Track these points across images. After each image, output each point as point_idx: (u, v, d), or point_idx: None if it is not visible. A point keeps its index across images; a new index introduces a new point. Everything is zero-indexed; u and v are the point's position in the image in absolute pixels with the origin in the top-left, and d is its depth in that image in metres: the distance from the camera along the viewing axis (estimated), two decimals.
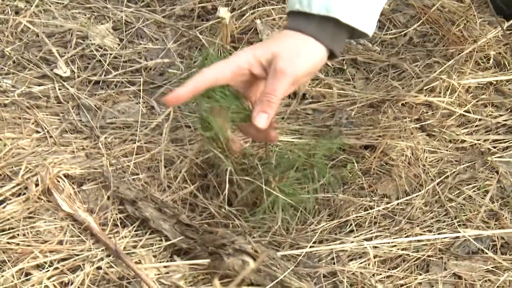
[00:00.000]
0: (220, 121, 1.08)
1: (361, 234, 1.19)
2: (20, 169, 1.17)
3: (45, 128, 1.26)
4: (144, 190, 1.16)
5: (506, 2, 1.69)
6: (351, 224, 1.21)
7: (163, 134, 1.29)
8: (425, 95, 1.46)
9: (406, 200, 1.27)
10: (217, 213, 1.16)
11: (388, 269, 1.14)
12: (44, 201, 1.13)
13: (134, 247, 1.10)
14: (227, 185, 1.15)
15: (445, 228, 1.23)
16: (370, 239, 1.18)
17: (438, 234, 1.21)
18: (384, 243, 1.17)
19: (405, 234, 1.20)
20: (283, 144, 1.27)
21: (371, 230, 1.20)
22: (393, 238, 1.19)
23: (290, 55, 1.07)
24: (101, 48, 1.45)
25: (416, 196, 1.28)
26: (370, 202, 1.25)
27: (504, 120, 1.47)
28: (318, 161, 1.17)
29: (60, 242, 1.08)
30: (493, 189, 1.32)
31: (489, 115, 1.48)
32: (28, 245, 1.07)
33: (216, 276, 1.05)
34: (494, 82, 1.55)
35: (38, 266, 1.05)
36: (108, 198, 1.15)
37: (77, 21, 1.50)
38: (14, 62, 1.38)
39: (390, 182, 1.29)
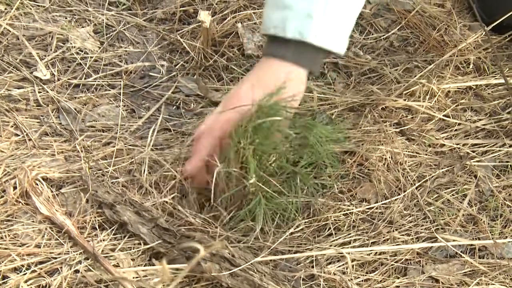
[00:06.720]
0: None
1: (340, 238, 1.20)
2: None
3: (24, 131, 1.26)
4: (123, 194, 1.16)
5: (486, 11, 1.70)
6: (330, 228, 1.21)
7: (148, 138, 1.29)
8: (404, 100, 1.47)
9: (385, 204, 1.27)
10: (194, 220, 1.15)
11: (366, 273, 1.15)
12: (22, 204, 1.13)
13: (113, 250, 1.10)
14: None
15: (423, 232, 1.23)
16: (349, 242, 1.19)
17: (417, 238, 1.22)
18: (362, 246, 1.18)
19: (383, 237, 1.21)
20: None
21: (350, 233, 1.21)
22: (372, 242, 1.19)
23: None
24: (82, 51, 1.45)
25: (395, 200, 1.28)
26: (349, 206, 1.26)
27: (483, 125, 1.48)
28: (302, 170, 1.17)
29: (38, 245, 1.08)
30: (471, 193, 1.33)
31: (468, 119, 1.49)
32: (6, 248, 1.06)
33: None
34: (474, 87, 1.56)
35: (16, 269, 1.05)
36: (87, 201, 1.15)
37: (58, 24, 1.49)
38: None
39: (369, 186, 1.30)
